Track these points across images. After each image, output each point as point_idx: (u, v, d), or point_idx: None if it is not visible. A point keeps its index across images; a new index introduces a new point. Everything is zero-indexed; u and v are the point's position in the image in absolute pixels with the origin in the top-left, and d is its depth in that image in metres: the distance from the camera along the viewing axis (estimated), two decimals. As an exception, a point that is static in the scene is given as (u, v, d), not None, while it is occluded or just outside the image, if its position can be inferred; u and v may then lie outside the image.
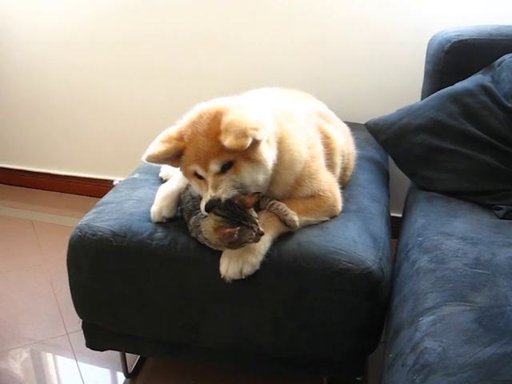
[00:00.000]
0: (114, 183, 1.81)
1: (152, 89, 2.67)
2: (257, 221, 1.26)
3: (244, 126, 1.22)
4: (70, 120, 2.97)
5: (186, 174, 1.37)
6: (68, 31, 2.77)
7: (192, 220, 1.36)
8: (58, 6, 2.72)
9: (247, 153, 1.27)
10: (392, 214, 2.25)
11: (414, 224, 1.54)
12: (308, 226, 1.42)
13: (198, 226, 1.32)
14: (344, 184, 1.69)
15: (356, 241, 1.37)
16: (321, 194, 1.45)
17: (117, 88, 2.78)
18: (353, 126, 2.17)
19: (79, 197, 3.09)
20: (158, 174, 1.75)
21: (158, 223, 1.44)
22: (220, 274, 1.31)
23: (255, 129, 1.23)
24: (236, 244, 1.25)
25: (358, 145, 1.98)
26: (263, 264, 1.31)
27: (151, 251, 1.38)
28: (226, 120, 1.26)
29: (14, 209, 2.97)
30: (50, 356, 1.87)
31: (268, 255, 1.32)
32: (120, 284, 1.43)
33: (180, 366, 1.78)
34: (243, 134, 1.21)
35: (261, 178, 1.33)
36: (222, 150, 1.26)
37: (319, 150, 1.50)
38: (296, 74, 2.43)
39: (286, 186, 1.42)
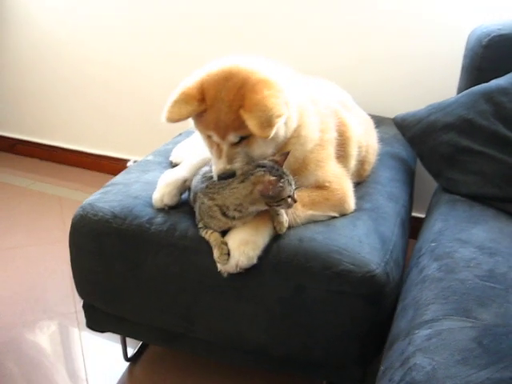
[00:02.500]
0: (128, 164, 1.78)
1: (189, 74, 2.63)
2: (293, 182, 1.24)
3: (270, 113, 1.16)
4: (103, 100, 2.97)
5: (198, 129, 1.31)
6: (106, 14, 2.77)
7: (202, 190, 1.31)
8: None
9: None
10: (418, 215, 2.16)
11: (430, 228, 1.44)
12: (314, 221, 1.35)
13: (216, 193, 1.27)
14: (362, 179, 1.61)
15: (362, 241, 1.29)
16: (327, 184, 1.38)
17: (153, 71, 2.75)
18: (384, 121, 2.08)
19: (108, 176, 3.09)
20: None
21: (160, 210, 1.40)
22: (216, 266, 1.26)
23: (280, 116, 1.17)
24: (275, 199, 1.20)
25: (386, 141, 1.89)
26: (261, 259, 1.25)
27: (149, 236, 1.35)
28: (252, 99, 1.18)
29: (43, 184, 3.01)
30: (55, 332, 1.88)
31: (267, 250, 1.26)
32: (117, 267, 1.40)
33: (182, 356, 1.74)
34: (269, 124, 1.15)
35: (270, 152, 1.29)
36: (243, 124, 1.19)
37: (331, 136, 1.43)
38: (325, 63, 2.33)
39: (295, 161, 1.35)
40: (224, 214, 1.26)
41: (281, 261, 1.25)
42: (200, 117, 1.27)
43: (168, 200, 1.39)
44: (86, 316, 1.59)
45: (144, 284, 1.39)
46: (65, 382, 1.66)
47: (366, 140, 1.59)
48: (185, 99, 1.24)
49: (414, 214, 2.11)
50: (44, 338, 1.85)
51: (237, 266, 1.23)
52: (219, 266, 1.25)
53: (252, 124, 1.16)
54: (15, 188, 2.95)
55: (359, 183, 1.58)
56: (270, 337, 1.32)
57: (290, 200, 1.22)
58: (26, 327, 1.88)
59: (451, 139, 1.57)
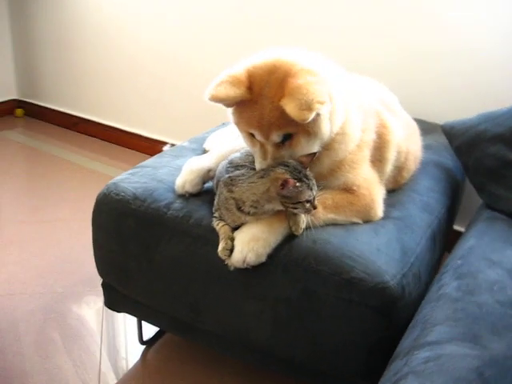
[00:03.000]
0: (164, 148, 1.78)
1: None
2: (315, 187, 1.18)
3: (311, 97, 1.10)
4: (150, 82, 3.00)
5: (239, 126, 1.26)
6: (163, 7, 2.81)
7: (224, 179, 1.26)
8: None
9: (308, 125, 1.16)
10: (462, 230, 2.03)
11: (463, 244, 1.34)
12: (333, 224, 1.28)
13: (235, 186, 1.23)
14: (398, 186, 1.52)
15: (381, 250, 1.21)
16: (355, 188, 1.30)
17: (202, 60, 2.76)
18: (436, 129, 1.96)
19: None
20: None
21: (181, 196, 1.38)
22: (225, 258, 1.23)
23: (321, 102, 1.11)
24: (291, 201, 1.15)
25: (434, 149, 1.79)
26: (271, 257, 1.21)
27: (164, 220, 1.34)
28: (293, 83, 1.13)
29: (97, 162, 3.09)
30: (80, 306, 1.91)
31: (278, 248, 1.21)
32: (132, 248, 1.40)
33: (198, 348, 1.72)
34: (308, 107, 1.09)
35: (314, 150, 1.23)
36: (286, 121, 1.14)
37: (369, 138, 1.35)
38: (375, 61, 2.23)
39: (329, 164, 1.29)
40: (239, 209, 1.22)
41: (291, 261, 1.20)
42: (242, 112, 1.22)
43: (189, 187, 1.37)
44: (105, 295, 1.60)
45: (156, 268, 1.38)
46: (78, 355, 1.68)
47: (407, 146, 1.50)
48: (233, 82, 1.19)
49: (458, 228, 1.99)
50: (67, 310, 1.89)
51: (244, 261, 1.19)
52: (226, 260, 1.22)
53: (290, 107, 1.10)
54: (70, 164, 3.06)
55: (394, 190, 1.50)
56: (275, 337, 1.27)
57: (308, 205, 1.16)
58: (53, 298, 1.93)
59: (498, 151, 1.45)
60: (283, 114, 1.13)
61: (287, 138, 1.19)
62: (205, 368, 1.64)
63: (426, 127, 1.96)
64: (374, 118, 1.39)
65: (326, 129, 1.20)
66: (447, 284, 1.15)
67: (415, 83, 2.16)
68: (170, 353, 1.73)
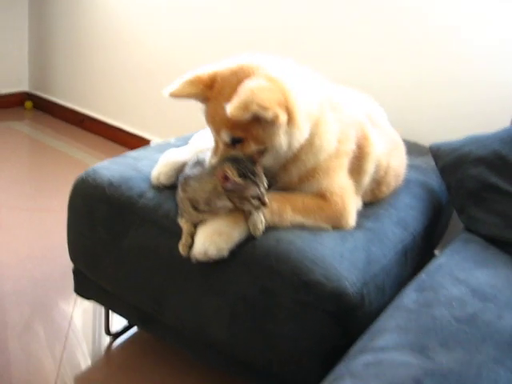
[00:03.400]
0: (151, 143, 1.79)
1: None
2: (265, 183, 1.16)
3: (252, 98, 1.09)
4: (157, 86, 3.02)
5: (205, 121, 1.27)
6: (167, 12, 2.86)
7: (180, 180, 1.27)
8: None
9: (258, 133, 1.16)
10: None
11: (433, 262, 1.31)
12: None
13: (187, 186, 1.23)
14: (376, 200, 1.50)
15: (344, 256, 1.19)
16: (327, 194, 1.29)
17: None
18: (429, 152, 1.95)
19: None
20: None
21: (155, 187, 1.38)
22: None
23: (263, 107, 1.10)
24: (236, 195, 1.15)
25: (423, 170, 1.76)
26: (233, 253, 1.19)
27: (135, 209, 1.34)
28: (244, 85, 1.13)
29: (99, 160, 3.10)
30: (53, 292, 1.90)
31: (241, 244, 1.20)
32: (103, 234, 1.40)
33: (166, 346, 1.70)
34: (245, 106, 1.09)
35: (268, 161, 1.23)
36: (236, 122, 1.14)
37: (348, 148, 1.34)
38: (374, 80, 2.23)
39: (298, 173, 1.29)
40: (195, 209, 1.21)
41: (252, 258, 1.19)
42: (206, 108, 1.24)
43: (164, 179, 1.37)
44: (75, 280, 1.60)
45: (123, 256, 1.37)
46: (44, 340, 1.67)
47: (388, 160, 1.48)
48: (193, 81, 1.23)
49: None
50: (42, 294, 1.88)
51: (205, 254, 1.18)
52: (185, 252, 1.21)
53: (230, 105, 1.10)
54: (70, 159, 3.09)
55: (372, 203, 1.48)
56: (230, 335, 1.25)
57: (256, 202, 1.14)
58: (32, 283, 1.92)
59: (480, 174, 1.44)
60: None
61: (238, 141, 1.19)
62: (170, 367, 1.62)
63: (418, 149, 1.95)
64: (355, 129, 1.38)
65: (279, 141, 1.18)
66: (407, 296, 1.12)
67: (415, 106, 2.16)
68: (137, 347, 1.71)
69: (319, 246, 1.20)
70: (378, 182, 1.47)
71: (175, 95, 1.23)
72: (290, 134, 1.19)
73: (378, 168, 1.44)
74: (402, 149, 1.62)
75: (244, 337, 1.23)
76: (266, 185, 1.16)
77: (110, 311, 1.69)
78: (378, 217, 1.41)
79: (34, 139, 3.38)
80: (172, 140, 1.75)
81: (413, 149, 1.88)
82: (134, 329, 1.77)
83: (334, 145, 1.30)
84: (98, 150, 3.26)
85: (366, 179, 1.42)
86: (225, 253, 1.19)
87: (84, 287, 1.59)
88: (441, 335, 0.97)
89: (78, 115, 3.50)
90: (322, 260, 1.16)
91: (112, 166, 1.47)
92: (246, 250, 1.20)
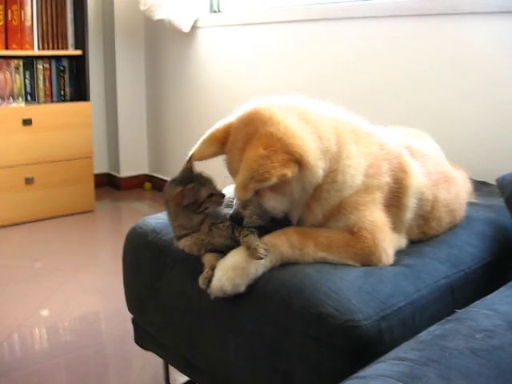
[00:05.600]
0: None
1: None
2: (209, 180, 1.28)
3: (251, 175, 1.13)
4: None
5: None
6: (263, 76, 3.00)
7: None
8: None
9: (272, 185, 1.17)
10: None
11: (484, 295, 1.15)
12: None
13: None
14: (427, 237, 1.38)
15: (363, 289, 1.11)
16: (355, 230, 1.22)
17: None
18: None
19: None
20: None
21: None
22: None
23: (264, 180, 1.13)
24: (197, 204, 1.22)
25: (495, 208, 1.60)
26: (250, 287, 1.17)
27: (169, 251, 1.37)
28: (246, 155, 1.17)
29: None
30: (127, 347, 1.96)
31: (258, 279, 1.17)
32: (145, 278, 1.45)
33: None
34: (245, 185, 1.14)
35: (283, 207, 1.24)
36: None
37: (381, 182, 1.27)
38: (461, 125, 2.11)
39: (323, 211, 1.25)
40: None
41: (266, 292, 1.15)
42: (226, 159, 1.30)
43: None
44: (134, 331, 1.64)
45: (161, 298, 1.40)
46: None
47: (435, 193, 1.37)
48: (210, 140, 1.30)
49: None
50: (118, 349, 1.96)
51: (221, 289, 1.17)
52: (204, 285, 1.21)
53: (237, 180, 1.17)
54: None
55: (423, 241, 1.37)
56: (251, 373, 1.19)
57: (214, 198, 1.21)
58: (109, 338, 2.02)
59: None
60: None
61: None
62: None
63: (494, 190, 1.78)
64: (389, 161, 1.30)
65: (291, 189, 1.20)
66: (428, 329, 0.99)
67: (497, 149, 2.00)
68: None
69: (338, 279, 1.13)
70: (424, 218, 1.36)
71: (198, 159, 1.30)
72: (301, 178, 1.19)
73: (421, 202, 1.34)
74: (458, 183, 1.49)
75: (264, 376, 1.16)
76: (210, 180, 1.28)
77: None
78: (422, 253, 1.29)
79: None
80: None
81: (490, 190, 1.73)
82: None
83: (360, 179, 1.25)
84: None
85: (408, 214, 1.32)
86: (241, 288, 1.16)
87: (141, 337, 1.63)
88: (444, 366, 0.83)
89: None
90: (337, 292, 1.09)
91: (161, 216, 1.54)
92: (260, 284, 1.17)
